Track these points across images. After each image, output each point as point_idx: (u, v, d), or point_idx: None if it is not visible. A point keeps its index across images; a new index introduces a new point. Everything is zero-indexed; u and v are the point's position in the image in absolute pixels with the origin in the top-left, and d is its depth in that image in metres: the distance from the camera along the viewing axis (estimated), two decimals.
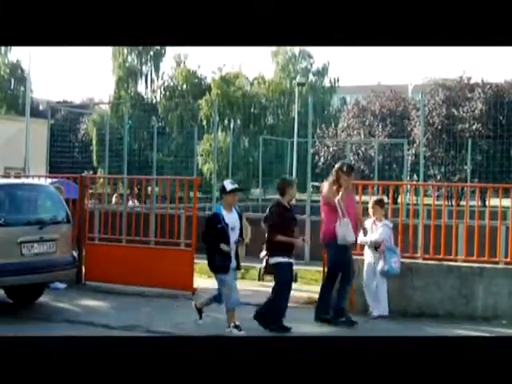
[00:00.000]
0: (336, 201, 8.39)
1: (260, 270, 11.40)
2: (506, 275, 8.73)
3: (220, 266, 7.77)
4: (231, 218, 7.90)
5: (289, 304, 9.69)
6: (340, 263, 8.51)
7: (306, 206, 15.14)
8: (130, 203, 16.70)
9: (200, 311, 8.36)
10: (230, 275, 7.81)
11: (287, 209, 8.21)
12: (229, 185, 8.01)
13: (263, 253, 11.18)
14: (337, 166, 8.84)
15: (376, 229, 8.85)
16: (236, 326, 7.77)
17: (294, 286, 10.92)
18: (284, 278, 8.13)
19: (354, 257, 9.30)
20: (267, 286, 11.15)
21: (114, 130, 29.52)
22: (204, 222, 8.04)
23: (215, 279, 8.07)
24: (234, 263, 7.89)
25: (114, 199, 15.77)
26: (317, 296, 10.01)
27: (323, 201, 8.73)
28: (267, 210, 8.36)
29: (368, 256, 8.93)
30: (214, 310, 9.37)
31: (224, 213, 7.85)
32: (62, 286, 10.63)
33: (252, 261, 11.32)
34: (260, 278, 11.40)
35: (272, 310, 8.11)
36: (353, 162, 33.43)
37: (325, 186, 8.73)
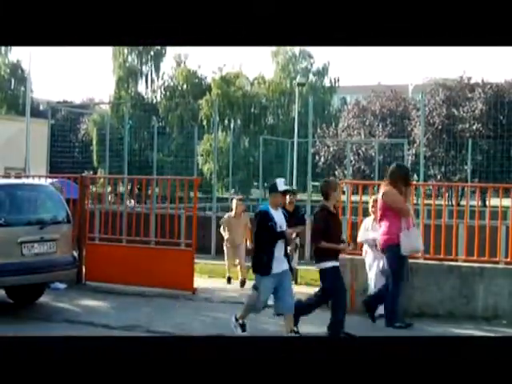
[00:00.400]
0: (410, 210, 8.16)
1: None
2: (507, 275, 8.73)
3: (263, 267, 7.30)
4: (279, 216, 7.47)
5: None
6: (398, 270, 8.20)
7: (306, 205, 15.14)
8: (127, 203, 16.57)
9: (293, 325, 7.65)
10: (269, 280, 7.31)
11: (332, 213, 7.79)
12: (282, 185, 7.51)
13: None
14: (394, 168, 8.50)
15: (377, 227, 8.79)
16: (242, 325, 7.58)
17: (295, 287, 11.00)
18: (331, 284, 7.69)
19: (354, 257, 9.31)
20: None
21: (115, 130, 29.54)
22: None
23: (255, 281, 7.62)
24: (283, 267, 7.42)
25: (110, 198, 15.63)
26: None
27: (384, 205, 8.28)
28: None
29: (369, 255, 8.93)
30: (214, 309, 9.39)
31: (272, 211, 7.42)
32: (62, 286, 10.63)
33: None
34: None
35: (299, 309, 7.71)
36: (353, 162, 33.50)
37: (386, 190, 8.31)
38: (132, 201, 18.00)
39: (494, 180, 24.54)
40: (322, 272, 7.75)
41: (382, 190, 8.44)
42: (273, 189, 7.56)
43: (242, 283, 11.01)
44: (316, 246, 7.75)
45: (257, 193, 24.86)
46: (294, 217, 11.50)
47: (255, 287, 7.51)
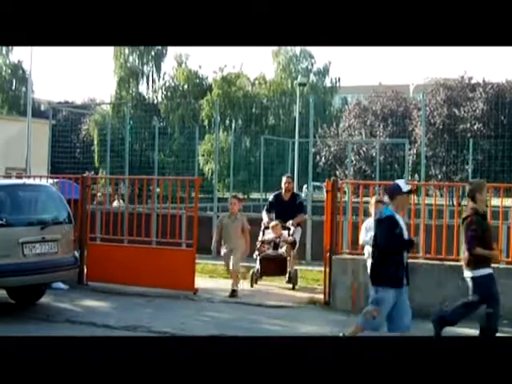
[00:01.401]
0: None
1: (253, 273, 11.14)
2: (508, 275, 8.71)
3: (392, 279, 6.51)
4: (402, 222, 6.68)
5: (291, 304, 9.72)
6: None
7: (307, 205, 15.13)
8: (115, 204, 16.38)
9: None
10: (392, 294, 6.53)
11: (483, 216, 7.31)
12: (405, 185, 6.77)
13: (256, 252, 11.10)
14: None
15: None
16: None
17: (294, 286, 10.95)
18: (487, 292, 7.27)
19: (355, 257, 9.30)
20: (266, 286, 11.16)
21: (116, 131, 29.48)
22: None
23: (373, 294, 6.73)
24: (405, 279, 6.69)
25: (98, 197, 15.51)
26: (317, 296, 10.00)
27: None
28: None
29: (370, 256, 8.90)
30: (215, 310, 9.38)
31: (397, 216, 6.58)
32: (63, 286, 10.64)
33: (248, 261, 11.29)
34: (252, 283, 10.96)
35: (446, 320, 7.40)
36: (354, 162, 33.49)
37: None
38: (121, 201, 17.82)
39: (495, 180, 24.48)
40: (478, 280, 7.27)
41: None
42: (396, 191, 6.71)
43: (232, 293, 10.28)
44: (470, 253, 7.24)
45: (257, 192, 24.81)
46: (293, 205, 11.30)
47: (376, 302, 6.63)
